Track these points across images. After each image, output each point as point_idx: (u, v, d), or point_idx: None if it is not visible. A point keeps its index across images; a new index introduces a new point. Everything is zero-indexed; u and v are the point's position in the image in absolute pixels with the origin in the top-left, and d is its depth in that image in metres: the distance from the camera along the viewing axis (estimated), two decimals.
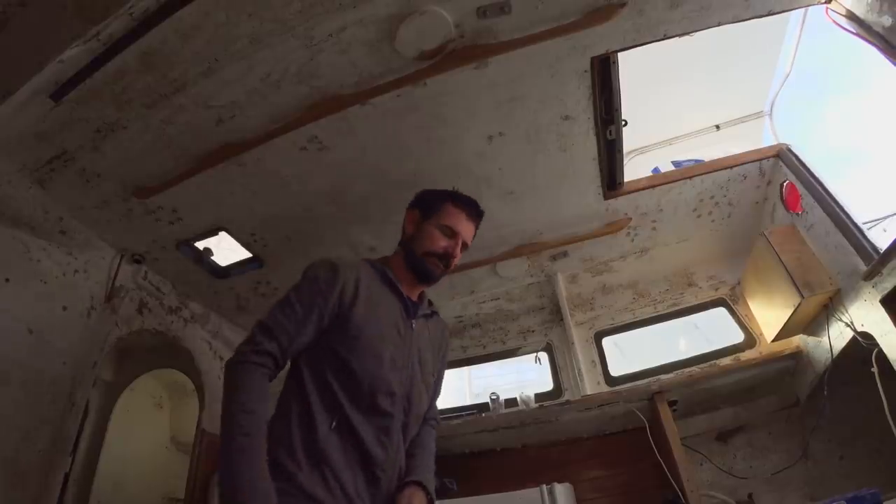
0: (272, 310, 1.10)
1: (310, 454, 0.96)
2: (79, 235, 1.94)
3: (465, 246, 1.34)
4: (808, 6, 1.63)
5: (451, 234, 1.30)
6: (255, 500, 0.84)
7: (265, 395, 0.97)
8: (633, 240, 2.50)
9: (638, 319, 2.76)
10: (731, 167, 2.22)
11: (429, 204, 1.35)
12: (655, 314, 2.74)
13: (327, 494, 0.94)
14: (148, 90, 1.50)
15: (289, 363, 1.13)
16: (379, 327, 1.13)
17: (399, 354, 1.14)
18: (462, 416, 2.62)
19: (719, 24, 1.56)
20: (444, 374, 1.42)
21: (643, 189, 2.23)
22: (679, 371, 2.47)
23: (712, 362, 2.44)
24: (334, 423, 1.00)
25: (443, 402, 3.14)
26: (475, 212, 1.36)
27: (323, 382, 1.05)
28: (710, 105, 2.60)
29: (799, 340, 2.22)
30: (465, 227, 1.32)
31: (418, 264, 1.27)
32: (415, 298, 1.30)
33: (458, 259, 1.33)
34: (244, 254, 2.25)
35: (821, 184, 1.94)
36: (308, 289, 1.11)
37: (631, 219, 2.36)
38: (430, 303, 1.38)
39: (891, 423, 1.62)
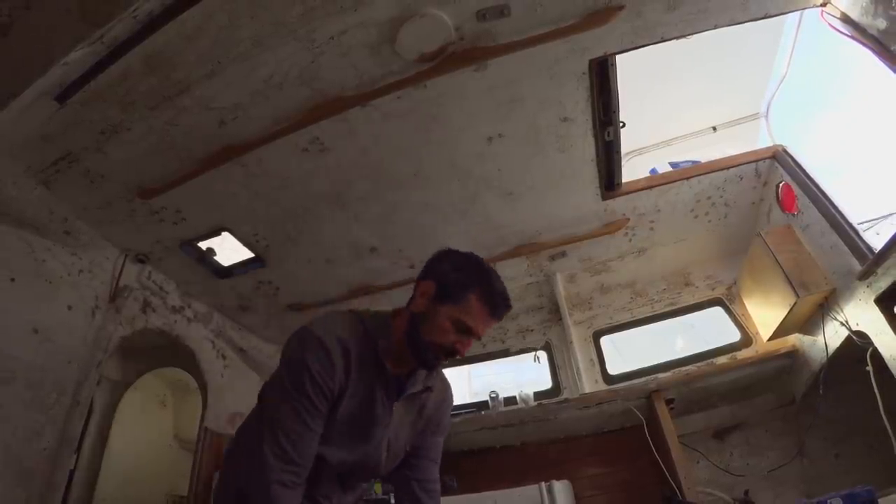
0: (282, 420, 1.01)
1: None
2: (83, 236, 1.96)
3: (477, 338, 1.13)
4: (803, 9, 1.64)
5: (466, 331, 1.08)
6: None
7: None
8: (630, 240, 2.53)
9: (636, 319, 2.79)
10: (728, 168, 2.25)
11: (450, 286, 1.09)
12: (653, 313, 2.76)
13: None
14: (151, 92, 1.52)
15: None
16: (356, 421, 1.08)
17: (365, 447, 1.10)
18: (462, 414, 2.65)
19: (716, 27, 1.58)
20: (438, 440, 1.27)
21: (641, 190, 2.25)
22: (676, 370, 2.50)
23: (709, 361, 2.47)
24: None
25: None
26: (502, 312, 1.13)
27: None
28: (706, 106, 2.62)
29: (795, 339, 2.24)
30: (484, 327, 1.10)
31: (420, 351, 1.09)
32: (407, 369, 1.14)
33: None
34: (246, 254, 2.27)
35: (816, 185, 1.96)
36: (309, 389, 1.01)
37: (629, 219, 2.38)
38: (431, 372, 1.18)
39: (885, 421, 1.64)
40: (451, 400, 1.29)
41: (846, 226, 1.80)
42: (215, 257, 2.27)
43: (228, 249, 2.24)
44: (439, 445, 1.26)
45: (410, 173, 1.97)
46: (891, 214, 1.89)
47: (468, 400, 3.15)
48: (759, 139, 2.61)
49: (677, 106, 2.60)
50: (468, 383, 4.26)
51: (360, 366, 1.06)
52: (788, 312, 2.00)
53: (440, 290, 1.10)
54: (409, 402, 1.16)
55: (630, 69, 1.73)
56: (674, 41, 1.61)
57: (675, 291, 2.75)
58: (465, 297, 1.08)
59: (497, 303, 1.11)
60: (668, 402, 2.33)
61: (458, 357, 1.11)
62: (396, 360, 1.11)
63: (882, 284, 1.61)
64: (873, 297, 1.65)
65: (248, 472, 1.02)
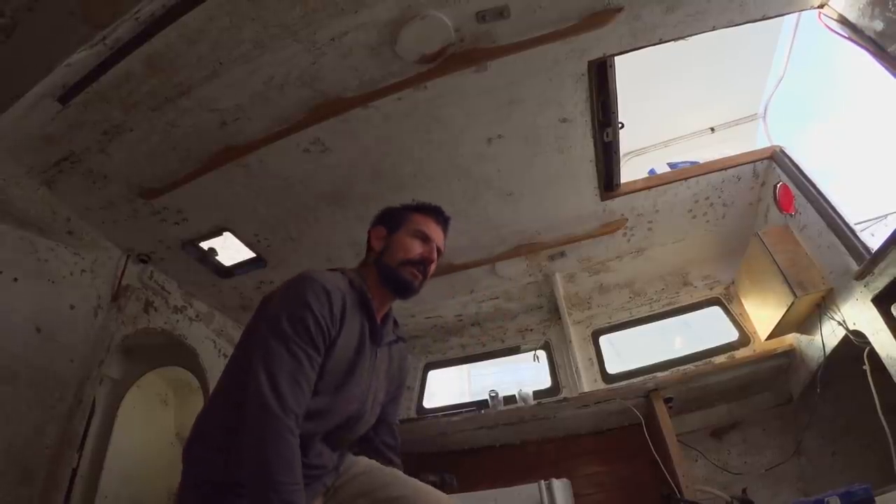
0: (281, 364, 0.96)
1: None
2: (86, 236, 1.97)
3: (439, 252, 1.26)
4: (801, 11, 1.66)
5: (425, 238, 1.22)
6: None
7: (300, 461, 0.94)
8: (629, 240, 2.54)
9: (634, 318, 2.81)
10: (726, 169, 2.26)
11: (393, 218, 1.27)
12: (651, 313, 2.78)
13: None
14: (153, 93, 1.53)
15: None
16: (347, 366, 1.08)
17: (354, 394, 1.10)
18: (462, 413, 2.66)
19: (714, 29, 1.59)
20: (399, 401, 1.38)
21: (639, 190, 2.26)
22: (675, 369, 2.52)
23: (707, 360, 2.49)
24: None
25: (443, 400, 3.19)
26: (441, 217, 1.29)
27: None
28: (705, 108, 2.63)
29: (792, 339, 2.25)
30: (436, 232, 1.25)
31: (395, 275, 1.17)
32: (382, 315, 1.20)
33: (434, 267, 1.24)
34: (248, 254, 2.28)
35: (813, 185, 1.97)
36: (312, 327, 1.00)
37: (627, 219, 2.40)
38: (396, 324, 1.29)
39: (882, 419, 1.66)
40: (409, 360, 1.48)
41: (843, 226, 1.81)
42: (217, 257, 2.28)
43: (230, 249, 2.26)
44: (398, 409, 1.38)
45: (411, 174, 1.98)
46: (886, 215, 1.91)
47: (468, 399, 3.16)
48: (756, 140, 2.63)
49: (676, 107, 2.61)
50: (468, 382, 4.28)
51: (352, 309, 1.12)
52: (786, 312, 2.01)
53: (389, 226, 1.25)
54: (386, 352, 1.23)
55: (629, 70, 1.74)
56: (672, 42, 1.62)
57: (673, 291, 2.77)
58: (408, 217, 1.25)
59: (434, 208, 1.29)
60: (667, 401, 2.34)
61: (430, 267, 1.21)
62: (377, 304, 1.18)
63: (879, 284, 1.62)
64: (870, 297, 1.66)
65: (250, 432, 0.91)
